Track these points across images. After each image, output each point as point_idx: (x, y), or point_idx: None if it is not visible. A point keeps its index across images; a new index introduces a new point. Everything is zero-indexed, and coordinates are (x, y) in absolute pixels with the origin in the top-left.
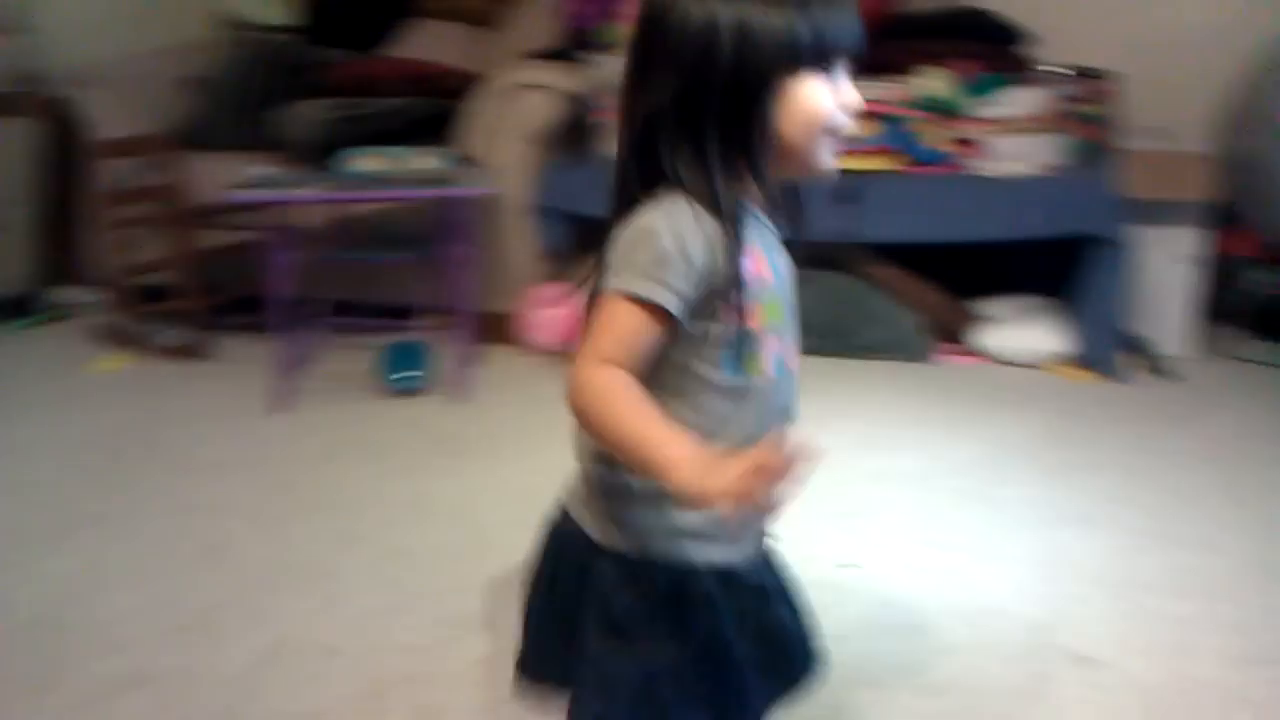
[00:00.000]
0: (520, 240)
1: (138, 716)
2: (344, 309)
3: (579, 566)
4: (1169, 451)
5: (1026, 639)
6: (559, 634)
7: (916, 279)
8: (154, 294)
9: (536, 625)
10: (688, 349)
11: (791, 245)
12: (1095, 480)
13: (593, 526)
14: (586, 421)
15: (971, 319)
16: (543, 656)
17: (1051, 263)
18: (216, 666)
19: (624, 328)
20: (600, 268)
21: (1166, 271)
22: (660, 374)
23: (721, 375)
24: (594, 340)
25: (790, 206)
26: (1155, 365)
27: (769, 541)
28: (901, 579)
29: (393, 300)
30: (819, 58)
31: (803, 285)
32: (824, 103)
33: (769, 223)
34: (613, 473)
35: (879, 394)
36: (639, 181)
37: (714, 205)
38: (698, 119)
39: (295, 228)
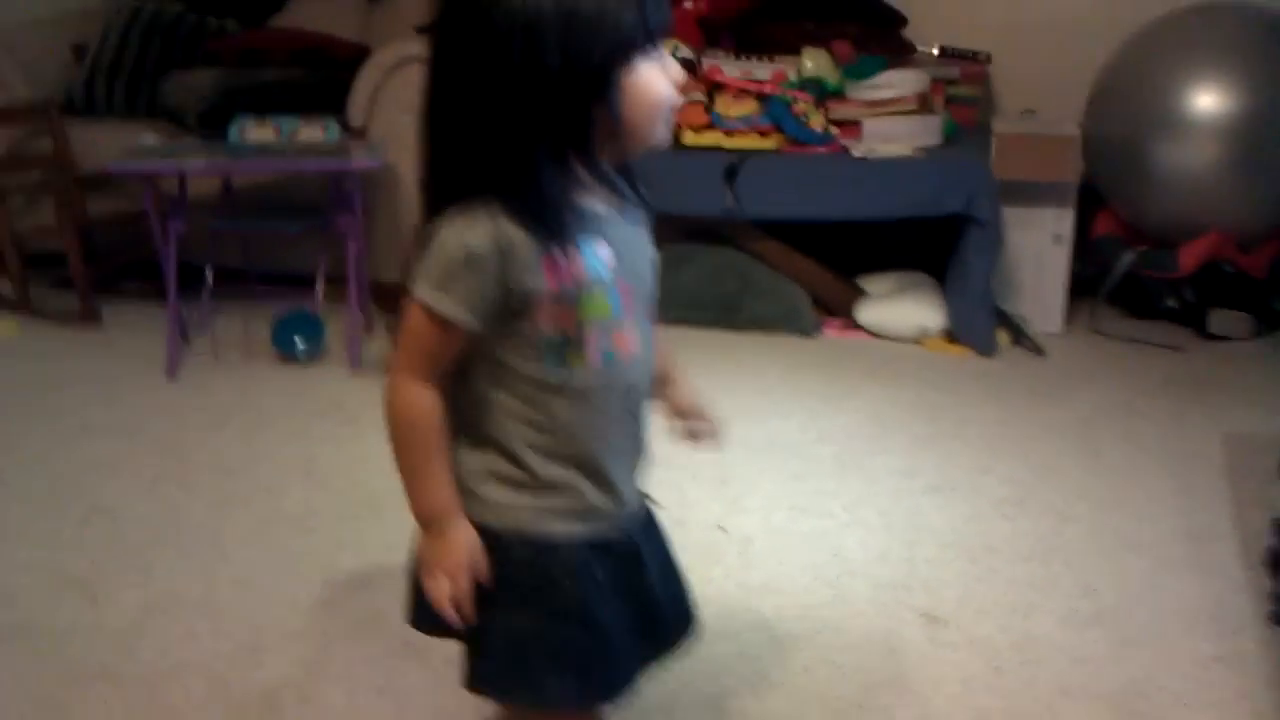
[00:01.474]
0: (410, 211)
1: (13, 667)
2: (238, 277)
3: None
4: (1032, 423)
5: (881, 599)
6: None
7: (802, 255)
8: (45, 261)
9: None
10: (505, 346)
11: (674, 221)
12: (960, 450)
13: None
14: (393, 435)
15: (855, 295)
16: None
17: (933, 240)
18: (97, 622)
19: (424, 338)
20: (409, 270)
21: (1038, 250)
22: (490, 370)
23: (542, 370)
24: (404, 349)
25: (627, 184)
26: (1025, 341)
27: (649, 506)
28: (768, 542)
29: (287, 269)
30: (649, 41)
31: (688, 260)
32: (662, 85)
33: (607, 207)
34: (474, 454)
35: (764, 367)
36: (452, 190)
37: (530, 215)
38: (528, 121)
39: (184, 196)
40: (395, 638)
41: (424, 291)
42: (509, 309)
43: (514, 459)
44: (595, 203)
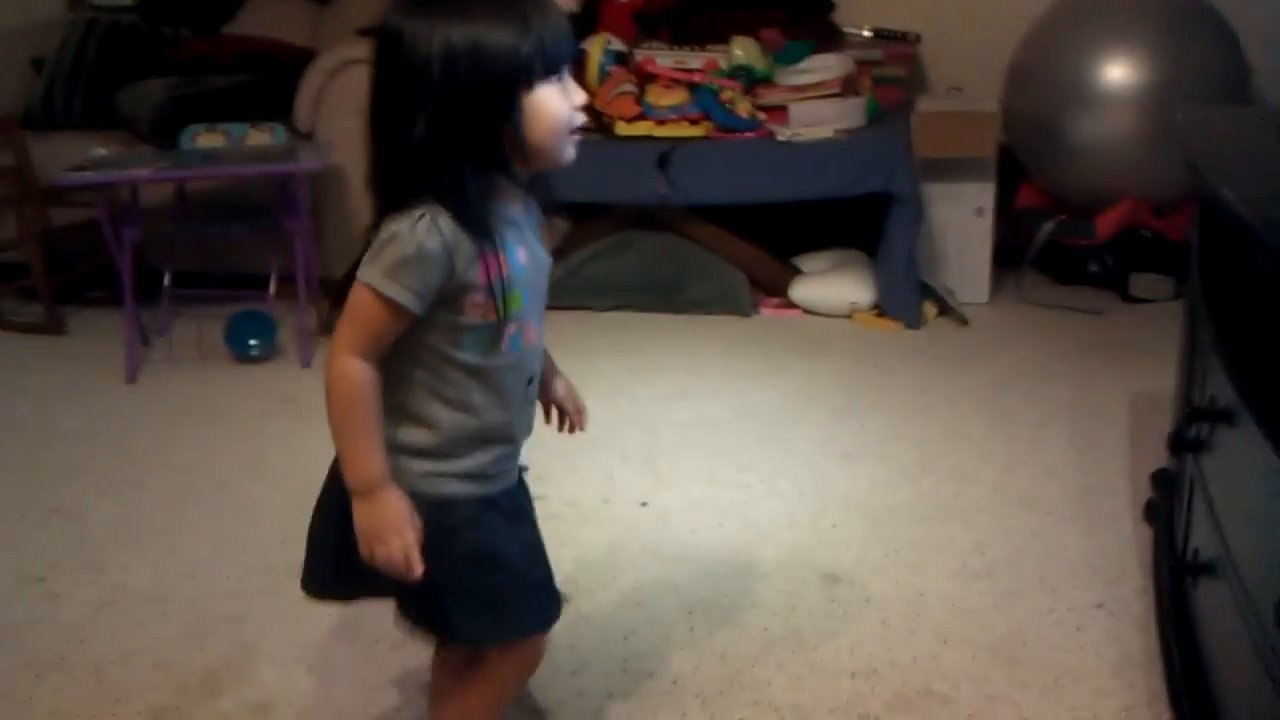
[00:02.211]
0: (360, 211)
1: None
2: (194, 281)
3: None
4: (947, 391)
5: (785, 562)
6: (348, 553)
7: (737, 237)
8: (9, 272)
9: (326, 546)
10: (437, 333)
11: (611, 210)
12: (876, 419)
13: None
14: (330, 404)
15: (790, 274)
16: (322, 574)
17: (867, 218)
18: (53, 616)
19: (369, 318)
20: (358, 261)
21: (963, 224)
22: (414, 351)
23: (465, 355)
24: (348, 326)
25: (540, 192)
26: (951, 312)
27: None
28: (686, 515)
29: (244, 270)
30: (549, 69)
31: (626, 247)
32: (561, 107)
33: (522, 213)
34: (388, 426)
35: (700, 348)
36: (395, 195)
37: (464, 218)
38: (449, 137)
39: (138, 204)
40: (328, 621)
41: (375, 277)
42: (444, 299)
43: (426, 430)
44: (513, 209)
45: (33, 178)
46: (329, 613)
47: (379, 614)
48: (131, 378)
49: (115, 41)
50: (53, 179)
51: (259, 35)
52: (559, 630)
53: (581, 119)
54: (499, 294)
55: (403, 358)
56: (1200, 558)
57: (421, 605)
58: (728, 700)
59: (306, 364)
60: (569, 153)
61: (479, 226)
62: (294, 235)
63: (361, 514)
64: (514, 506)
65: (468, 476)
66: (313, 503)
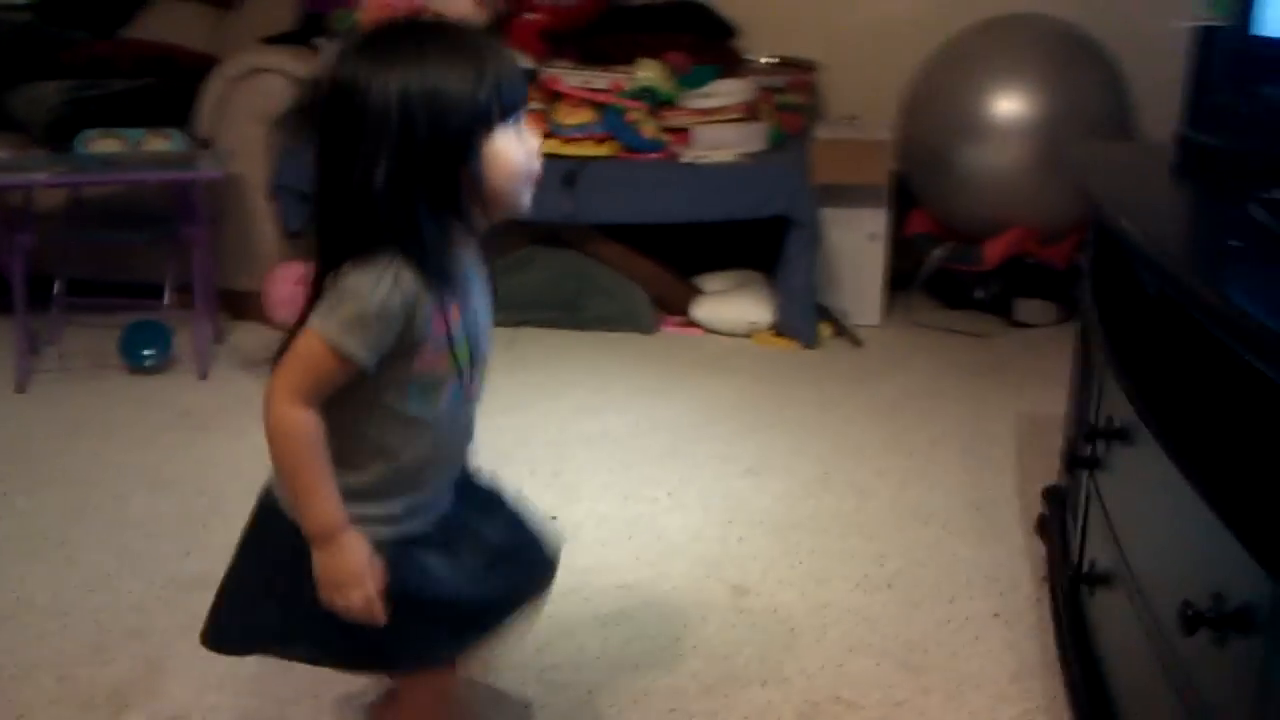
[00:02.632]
0: (261, 221)
1: None
2: (88, 288)
3: (290, 539)
4: (845, 408)
5: (694, 574)
6: (268, 596)
7: (641, 256)
8: None
9: (244, 593)
10: (379, 384)
11: (516, 226)
12: (778, 435)
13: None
14: (281, 454)
15: (692, 293)
16: (247, 621)
17: (766, 240)
18: None
19: (318, 368)
20: (309, 306)
21: (857, 248)
22: (352, 398)
23: (404, 406)
24: (292, 370)
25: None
26: (845, 333)
27: (480, 477)
28: (596, 529)
29: (137, 279)
30: (505, 115)
31: (530, 263)
32: (519, 154)
33: (475, 264)
34: None
35: (604, 364)
36: (354, 243)
37: (426, 268)
38: (409, 186)
39: (31, 209)
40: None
41: (331, 330)
42: (395, 353)
43: (354, 472)
44: (467, 260)
45: None
46: None
47: None
48: (21, 387)
49: (8, 41)
50: None
51: (158, 40)
52: None
53: (538, 165)
54: (452, 346)
55: (339, 403)
56: (1097, 569)
57: (352, 639)
58: (643, 710)
59: (203, 375)
60: (526, 199)
61: (440, 276)
62: (193, 244)
63: (323, 562)
64: (446, 535)
65: (392, 519)
66: (210, 513)
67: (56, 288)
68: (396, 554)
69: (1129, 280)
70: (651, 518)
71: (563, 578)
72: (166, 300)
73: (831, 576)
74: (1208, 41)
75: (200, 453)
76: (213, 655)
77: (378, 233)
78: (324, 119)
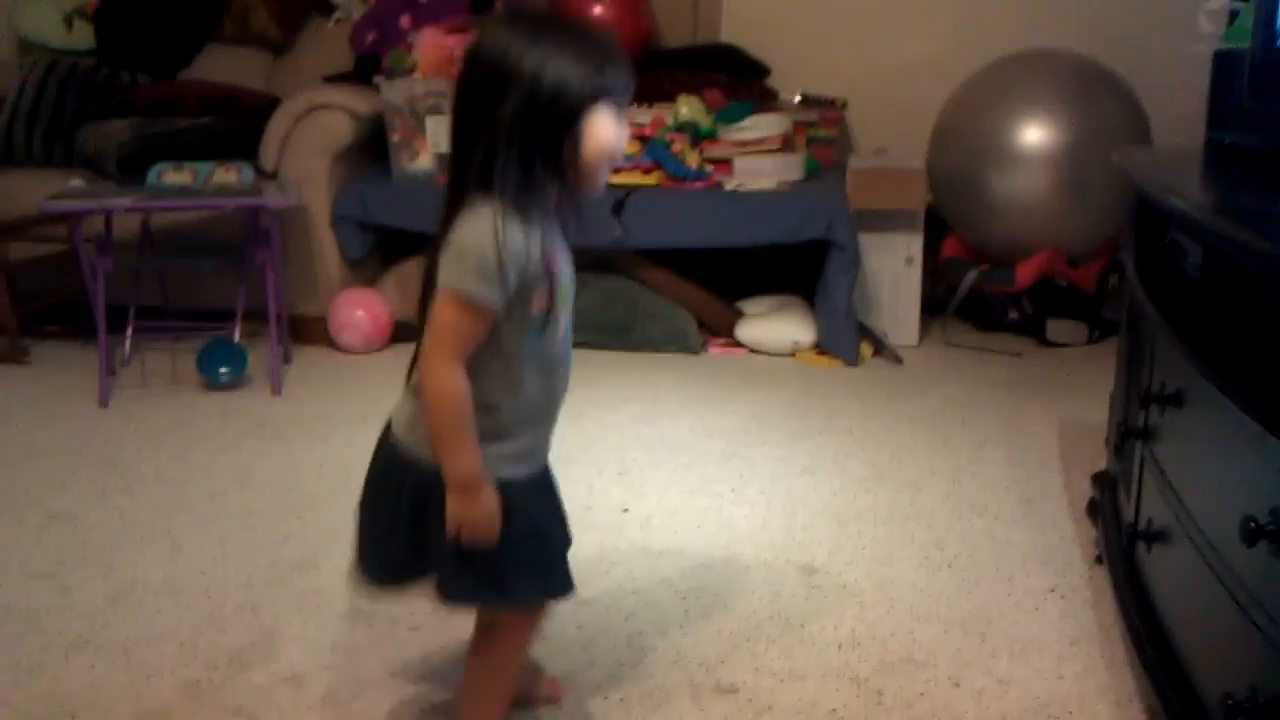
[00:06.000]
0: (324, 249)
1: None
2: (156, 314)
3: (417, 482)
4: (890, 417)
5: (764, 557)
6: (406, 536)
7: (686, 281)
8: None
9: (382, 532)
10: (505, 323)
11: (575, 253)
12: (829, 440)
13: (427, 452)
14: (435, 412)
15: (735, 315)
16: (385, 558)
17: (803, 265)
18: (68, 604)
19: (460, 324)
20: (432, 266)
21: (894, 272)
22: (486, 344)
23: (528, 343)
24: (441, 334)
25: (575, 215)
26: (885, 351)
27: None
28: (666, 519)
29: (203, 305)
30: (610, 96)
31: (584, 288)
32: (612, 133)
33: (559, 227)
34: None
35: (654, 381)
36: (462, 192)
37: (531, 214)
38: (527, 144)
39: (111, 235)
40: (341, 608)
41: (461, 283)
42: (517, 294)
43: (492, 415)
44: (556, 219)
45: None
46: (340, 602)
47: (392, 601)
48: (104, 402)
49: (75, 83)
50: (11, 214)
51: (219, 81)
52: (563, 610)
53: (623, 151)
54: (554, 286)
55: (477, 351)
56: (1154, 526)
57: (478, 577)
58: (730, 667)
59: (277, 391)
60: (603, 180)
61: (545, 222)
62: (267, 268)
63: (460, 506)
64: (548, 483)
65: (519, 458)
66: (304, 508)
67: (130, 313)
68: (523, 494)
69: (1170, 268)
70: (718, 510)
71: (641, 559)
72: (236, 324)
73: (894, 558)
74: (1229, 60)
75: (283, 458)
76: (321, 622)
77: (493, 178)
78: (468, 81)
